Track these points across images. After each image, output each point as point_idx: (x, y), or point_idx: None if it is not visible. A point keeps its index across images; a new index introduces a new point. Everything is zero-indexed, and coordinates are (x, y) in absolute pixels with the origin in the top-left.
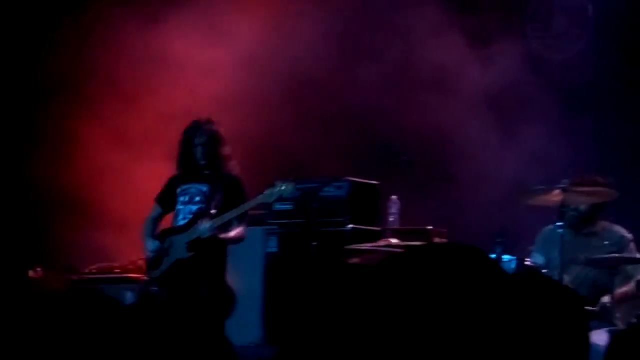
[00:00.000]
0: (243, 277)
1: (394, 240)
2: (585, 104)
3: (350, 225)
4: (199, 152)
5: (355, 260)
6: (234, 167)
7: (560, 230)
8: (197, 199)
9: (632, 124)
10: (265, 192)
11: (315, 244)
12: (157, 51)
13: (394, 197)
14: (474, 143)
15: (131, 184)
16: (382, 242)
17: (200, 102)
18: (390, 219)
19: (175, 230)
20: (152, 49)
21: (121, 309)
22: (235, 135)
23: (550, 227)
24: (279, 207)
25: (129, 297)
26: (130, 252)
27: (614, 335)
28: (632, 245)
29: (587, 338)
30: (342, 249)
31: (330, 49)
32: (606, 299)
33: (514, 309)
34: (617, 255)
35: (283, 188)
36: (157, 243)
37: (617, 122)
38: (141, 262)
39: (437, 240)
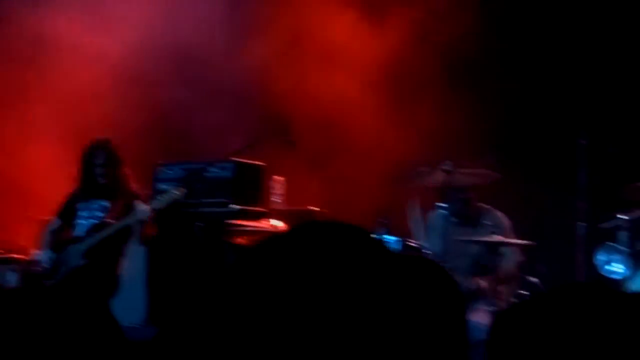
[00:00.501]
0: (127, 258)
1: (277, 221)
2: (470, 84)
3: (235, 206)
4: (98, 172)
5: (239, 241)
6: (133, 184)
7: (444, 212)
8: (97, 213)
9: (511, 106)
10: (156, 198)
11: (199, 224)
12: (39, 34)
13: (278, 178)
14: (361, 121)
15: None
16: (266, 223)
17: (88, 87)
18: (275, 200)
19: (72, 240)
20: (32, 31)
21: (3, 292)
22: (126, 120)
23: (435, 211)
24: (163, 187)
25: (11, 278)
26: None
27: (495, 315)
28: (510, 228)
29: (464, 318)
30: (226, 229)
31: (220, 27)
32: (482, 281)
33: (394, 289)
34: (498, 237)
35: (172, 195)
36: (53, 254)
37: (497, 104)
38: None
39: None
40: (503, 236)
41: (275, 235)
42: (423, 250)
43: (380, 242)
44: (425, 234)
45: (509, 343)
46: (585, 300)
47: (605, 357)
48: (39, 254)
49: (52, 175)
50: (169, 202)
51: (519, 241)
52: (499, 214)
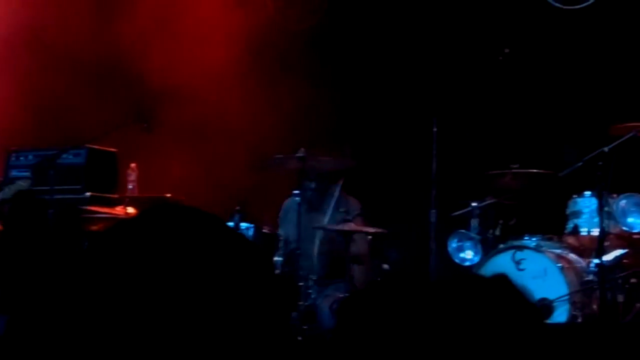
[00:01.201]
0: None
1: (131, 208)
2: (325, 71)
3: (88, 193)
4: None
5: (93, 228)
6: None
7: (298, 199)
8: None
9: (365, 93)
10: (3, 190)
11: (52, 211)
12: None
13: (132, 165)
14: (224, 107)
15: None
16: (119, 209)
17: None
18: (129, 187)
19: None
20: None
21: None
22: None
23: (290, 198)
24: (15, 174)
25: None
26: None
27: (340, 301)
28: (362, 215)
29: (278, 304)
30: (79, 216)
31: (86, 10)
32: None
33: (237, 275)
34: (350, 224)
35: (18, 186)
36: None
37: (352, 91)
38: None
39: None
40: (355, 222)
41: (123, 220)
42: (281, 238)
43: (234, 230)
44: (279, 220)
45: (352, 329)
46: (429, 287)
47: (444, 344)
48: None
49: None
50: (14, 193)
51: (370, 229)
52: (352, 200)
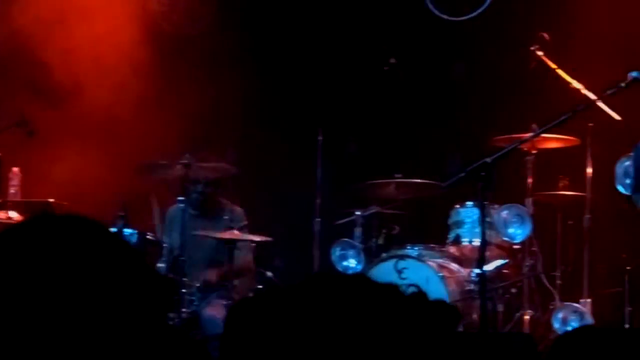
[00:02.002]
0: None
1: (14, 213)
2: (212, 76)
3: None
4: None
5: None
6: None
7: (182, 205)
8: None
9: (250, 101)
10: None
11: None
12: None
13: (15, 169)
14: (109, 108)
15: None
16: (1, 214)
17: None
18: (11, 191)
19: None
20: None
21: None
22: None
23: (175, 205)
24: None
25: None
26: None
27: (229, 308)
28: (247, 223)
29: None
30: None
31: None
32: (215, 274)
33: (119, 282)
34: (234, 232)
35: None
36: None
37: (237, 98)
38: None
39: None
40: (240, 230)
41: (7, 229)
42: (164, 244)
43: (117, 235)
44: (163, 227)
45: (241, 336)
46: (319, 292)
47: (335, 347)
48: None
49: None
50: None
51: (254, 237)
52: (237, 208)
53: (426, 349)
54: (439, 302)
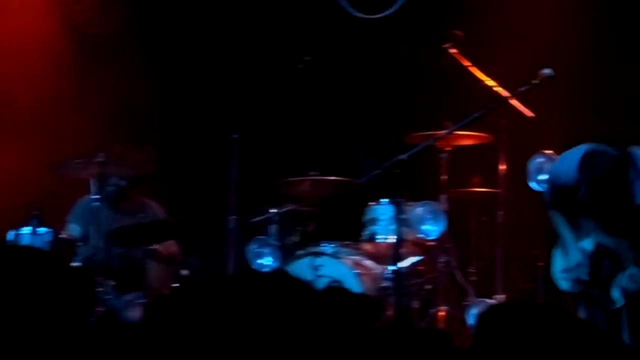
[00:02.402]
0: None
1: None
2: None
3: None
4: None
5: None
6: None
7: (97, 204)
8: None
9: (166, 98)
10: None
11: None
12: None
13: None
14: (27, 102)
15: None
16: None
17: None
18: None
19: None
20: None
21: None
22: None
23: (87, 197)
24: None
25: None
26: None
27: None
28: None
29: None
30: None
31: None
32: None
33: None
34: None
35: None
36: None
37: (152, 96)
38: None
39: None
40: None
41: None
42: (76, 241)
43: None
44: (71, 216)
45: (158, 333)
46: (238, 290)
47: (257, 342)
48: None
49: None
50: None
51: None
52: (154, 204)
53: (347, 341)
54: (362, 296)
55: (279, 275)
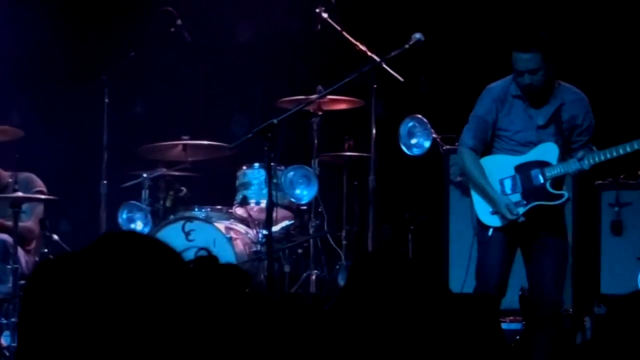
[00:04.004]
0: None
1: None
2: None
3: None
4: None
5: None
6: None
7: None
8: None
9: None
10: None
11: None
12: None
13: None
14: None
15: None
16: None
17: None
18: None
19: None
20: None
21: None
22: None
23: None
24: None
25: None
26: None
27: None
28: (39, 189)
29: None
30: None
31: None
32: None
33: None
34: (20, 193)
35: None
36: None
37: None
38: None
39: None
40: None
41: None
42: None
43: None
44: None
45: (38, 306)
46: (109, 255)
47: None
48: None
49: None
50: None
51: (40, 196)
52: (28, 175)
53: (217, 311)
54: (229, 266)
55: (147, 241)
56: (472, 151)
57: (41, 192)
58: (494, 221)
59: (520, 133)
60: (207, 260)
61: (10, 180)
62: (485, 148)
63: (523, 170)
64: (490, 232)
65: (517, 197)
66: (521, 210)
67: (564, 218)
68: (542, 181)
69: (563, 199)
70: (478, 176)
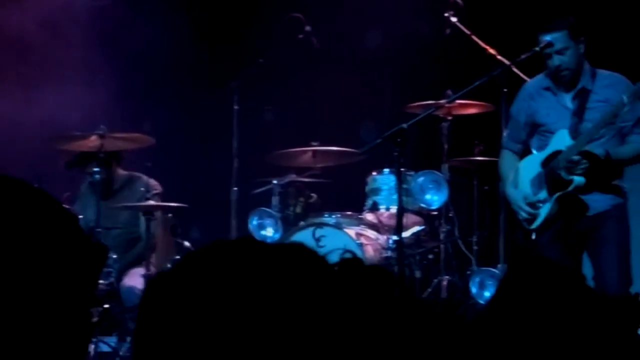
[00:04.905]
0: None
1: None
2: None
3: None
4: None
5: None
6: None
7: (95, 177)
8: None
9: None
10: None
11: None
12: None
13: None
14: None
15: None
16: None
17: None
18: None
19: None
20: None
21: None
22: None
23: (85, 182)
24: None
25: None
26: None
27: (147, 279)
28: (161, 195)
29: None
30: None
31: None
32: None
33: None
34: (152, 202)
35: None
36: None
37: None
38: None
39: None
40: (155, 201)
41: None
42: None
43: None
44: (76, 206)
45: (160, 307)
46: (234, 255)
47: (267, 318)
48: None
49: None
50: None
51: (171, 204)
52: (151, 180)
53: (365, 313)
54: (375, 267)
55: (291, 247)
56: (508, 151)
57: (158, 194)
58: (528, 224)
59: (556, 124)
60: (353, 262)
61: (141, 188)
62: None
63: (546, 164)
64: (534, 235)
65: (544, 193)
66: (548, 207)
67: (622, 208)
68: (557, 170)
69: (571, 186)
70: (504, 178)
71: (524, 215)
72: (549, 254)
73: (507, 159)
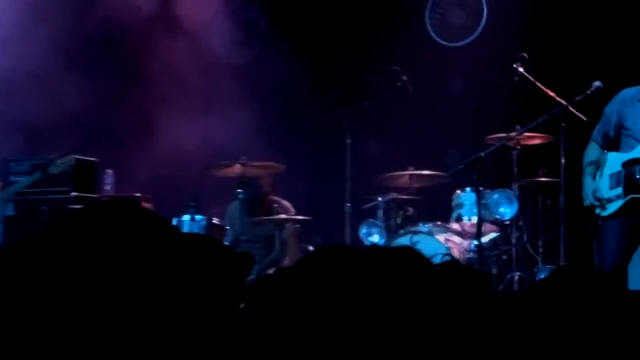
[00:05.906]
0: None
1: None
2: (270, 100)
3: (74, 193)
4: None
5: None
6: None
7: (241, 196)
8: None
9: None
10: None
11: (45, 208)
12: None
13: (108, 171)
14: (171, 124)
15: None
16: None
17: None
18: (106, 188)
19: None
20: None
21: None
22: None
23: (234, 202)
24: (13, 178)
25: None
26: None
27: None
28: (294, 213)
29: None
30: (67, 212)
31: None
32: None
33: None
34: (283, 215)
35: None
36: None
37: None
38: None
39: (145, 205)
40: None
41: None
42: (225, 227)
43: (155, 217)
44: (228, 217)
45: (266, 307)
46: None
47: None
48: None
49: None
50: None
51: (299, 217)
52: (285, 202)
53: (462, 309)
54: (469, 267)
55: (404, 250)
56: (594, 143)
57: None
58: (598, 210)
59: None
60: (452, 263)
61: (275, 205)
62: (614, 144)
63: (627, 166)
64: (600, 222)
65: (619, 190)
66: (620, 202)
67: None
68: (637, 176)
69: None
70: (584, 166)
71: (587, 200)
72: (609, 239)
73: (591, 149)
